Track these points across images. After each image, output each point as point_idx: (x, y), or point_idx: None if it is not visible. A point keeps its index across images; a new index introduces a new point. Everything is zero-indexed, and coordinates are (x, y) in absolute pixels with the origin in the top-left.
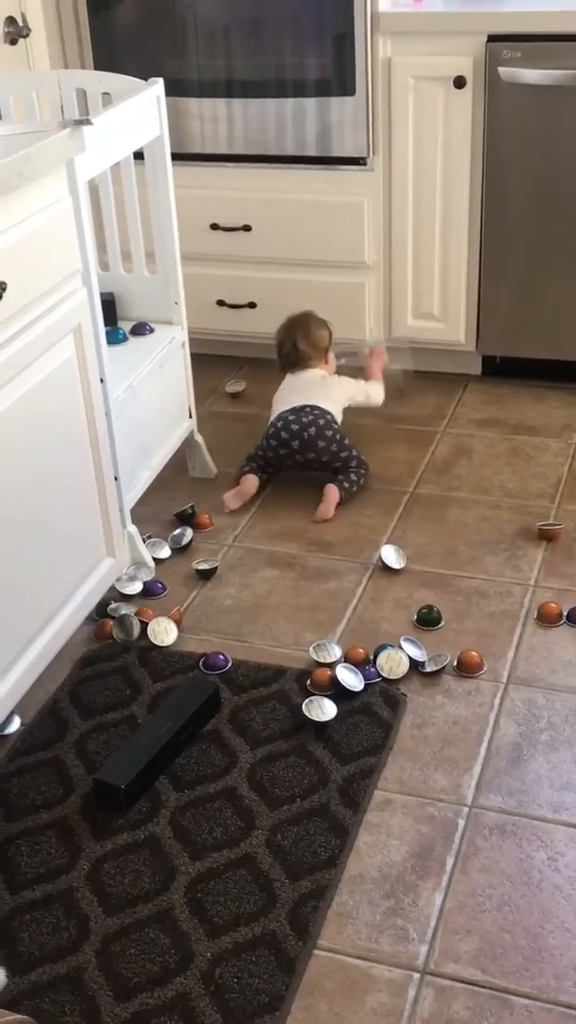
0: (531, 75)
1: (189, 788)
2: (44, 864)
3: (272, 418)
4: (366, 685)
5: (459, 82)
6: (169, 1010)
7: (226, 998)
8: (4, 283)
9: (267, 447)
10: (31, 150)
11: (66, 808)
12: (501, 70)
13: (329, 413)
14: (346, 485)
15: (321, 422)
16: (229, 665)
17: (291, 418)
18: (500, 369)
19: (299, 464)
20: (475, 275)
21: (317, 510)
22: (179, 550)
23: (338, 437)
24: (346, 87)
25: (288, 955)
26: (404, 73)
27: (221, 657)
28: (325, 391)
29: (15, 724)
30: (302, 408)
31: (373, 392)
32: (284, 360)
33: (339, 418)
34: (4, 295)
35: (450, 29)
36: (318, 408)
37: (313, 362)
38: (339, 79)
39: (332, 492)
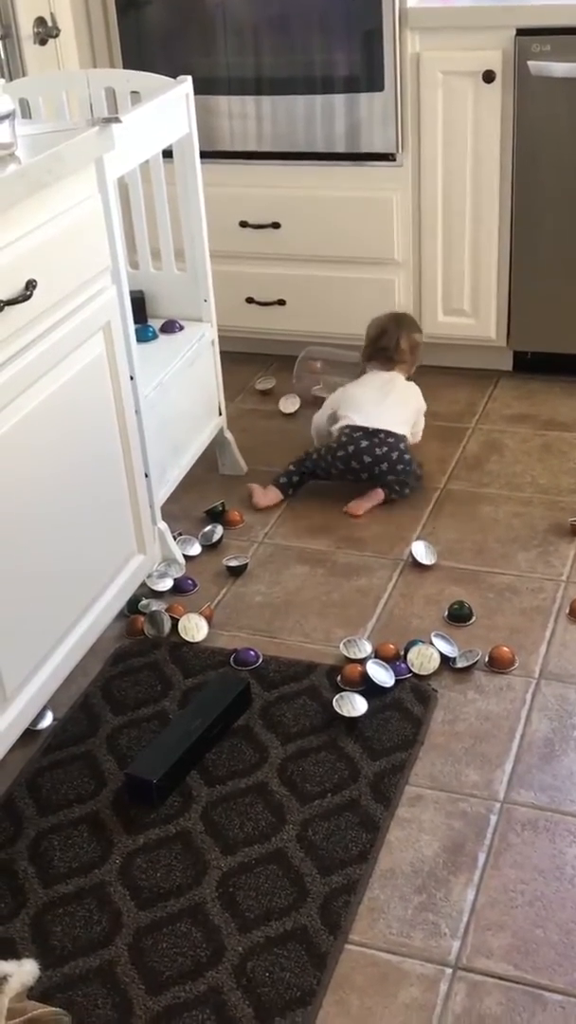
0: (561, 68)
1: (220, 783)
2: (77, 858)
3: (343, 426)
4: (397, 681)
5: (488, 76)
6: (201, 1004)
7: (257, 992)
8: (34, 280)
9: (330, 464)
10: (61, 148)
11: (98, 803)
12: (531, 64)
13: (404, 440)
14: (393, 496)
15: (394, 455)
16: (260, 661)
17: (364, 444)
18: (531, 364)
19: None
20: (506, 270)
21: (352, 502)
22: (209, 547)
23: (408, 467)
24: (375, 83)
25: (319, 949)
26: (433, 68)
27: (252, 653)
28: (404, 401)
29: (48, 719)
30: (376, 433)
31: (420, 430)
32: (377, 352)
33: (409, 438)
34: (34, 293)
35: (478, 23)
36: (393, 435)
37: (402, 366)
38: (368, 75)
39: (377, 495)
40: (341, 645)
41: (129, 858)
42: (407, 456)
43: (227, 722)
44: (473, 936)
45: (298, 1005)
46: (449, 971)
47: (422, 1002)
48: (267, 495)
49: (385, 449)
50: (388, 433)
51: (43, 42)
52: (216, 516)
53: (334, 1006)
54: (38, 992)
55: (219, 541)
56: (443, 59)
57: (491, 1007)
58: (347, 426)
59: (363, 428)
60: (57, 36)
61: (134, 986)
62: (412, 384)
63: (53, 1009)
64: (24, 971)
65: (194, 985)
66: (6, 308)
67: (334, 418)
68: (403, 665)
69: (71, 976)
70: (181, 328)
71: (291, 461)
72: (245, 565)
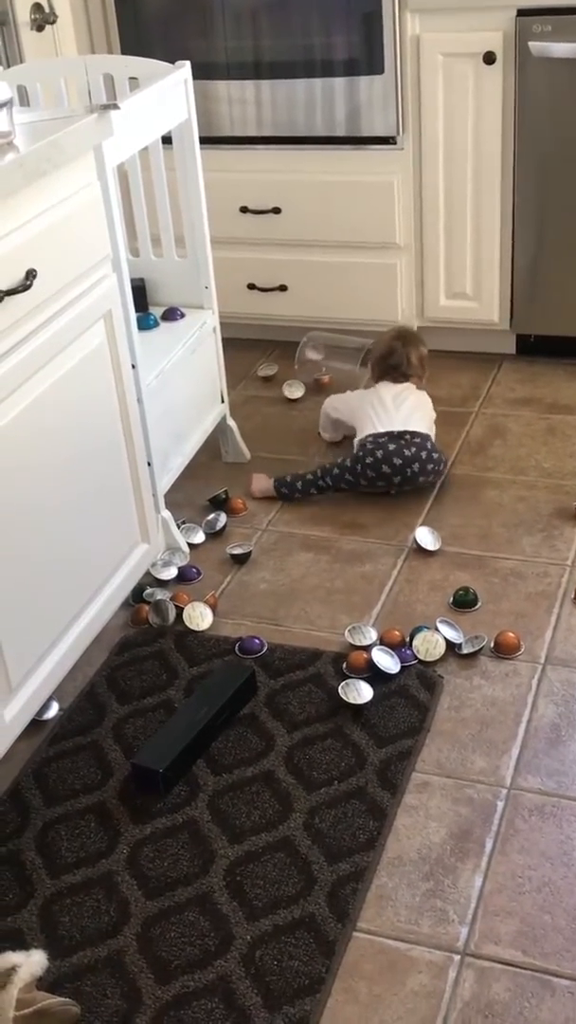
0: (562, 49)
1: (227, 772)
2: (84, 848)
3: (364, 437)
4: (402, 667)
5: (489, 58)
6: (210, 992)
7: (266, 980)
8: (34, 270)
9: (358, 475)
10: (59, 136)
11: (105, 792)
12: (531, 44)
13: (430, 438)
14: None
15: (423, 454)
16: (265, 649)
17: (391, 448)
18: (535, 348)
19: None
20: (508, 253)
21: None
22: (213, 535)
23: (439, 466)
24: (375, 66)
25: (327, 937)
26: (433, 50)
27: (256, 641)
28: (422, 405)
29: (53, 709)
30: (402, 435)
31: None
32: (387, 370)
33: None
34: (35, 282)
35: (479, 4)
36: (419, 435)
37: (414, 380)
38: (368, 58)
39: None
40: (346, 632)
41: (136, 847)
42: (436, 454)
43: (233, 710)
44: (481, 922)
45: (306, 993)
46: (457, 958)
47: (431, 989)
48: (260, 483)
49: (414, 449)
50: (414, 433)
51: (40, 29)
52: (219, 504)
53: (342, 994)
54: (47, 983)
55: (223, 529)
56: (443, 41)
57: (500, 993)
58: (369, 435)
59: (387, 432)
60: (54, 22)
61: (143, 975)
62: (424, 393)
63: (62, 999)
64: (33, 962)
65: (203, 974)
66: (6, 298)
67: (355, 438)
68: (408, 652)
69: (79, 966)
70: (182, 315)
71: (300, 477)
72: (249, 553)
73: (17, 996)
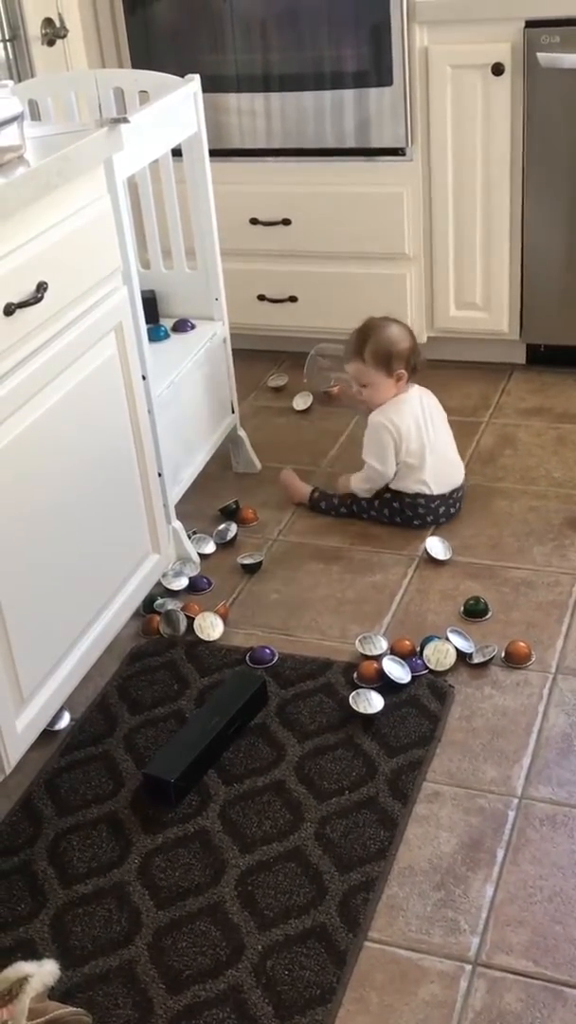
0: (570, 60)
1: (238, 782)
2: (95, 858)
3: (416, 494)
4: (413, 677)
5: (497, 69)
6: (221, 1002)
7: (277, 990)
8: (45, 283)
9: (392, 518)
10: (69, 150)
11: (116, 802)
12: (540, 56)
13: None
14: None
15: (459, 505)
16: (276, 659)
17: (442, 510)
18: (545, 357)
19: None
20: (517, 263)
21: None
22: (224, 545)
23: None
24: (383, 78)
25: (339, 947)
26: (442, 62)
27: (267, 651)
28: (445, 418)
29: (65, 720)
30: (451, 496)
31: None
32: (415, 366)
33: None
34: (45, 295)
35: (487, 16)
36: (462, 488)
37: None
38: (376, 70)
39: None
40: (357, 642)
41: (148, 858)
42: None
43: (244, 720)
44: (492, 932)
45: (318, 1003)
46: (469, 968)
47: (442, 999)
48: (297, 489)
49: (457, 506)
50: (459, 488)
51: (51, 43)
52: (230, 514)
53: (354, 1004)
54: (59, 992)
55: (234, 539)
56: (452, 52)
57: (511, 1003)
58: (421, 496)
59: (440, 496)
60: (65, 37)
61: (154, 985)
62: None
63: (74, 1009)
64: (44, 971)
65: (214, 984)
66: (17, 311)
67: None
68: (419, 661)
69: (91, 976)
70: (193, 327)
71: (333, 501)
72: (260, 563)
73: (29, 1006)
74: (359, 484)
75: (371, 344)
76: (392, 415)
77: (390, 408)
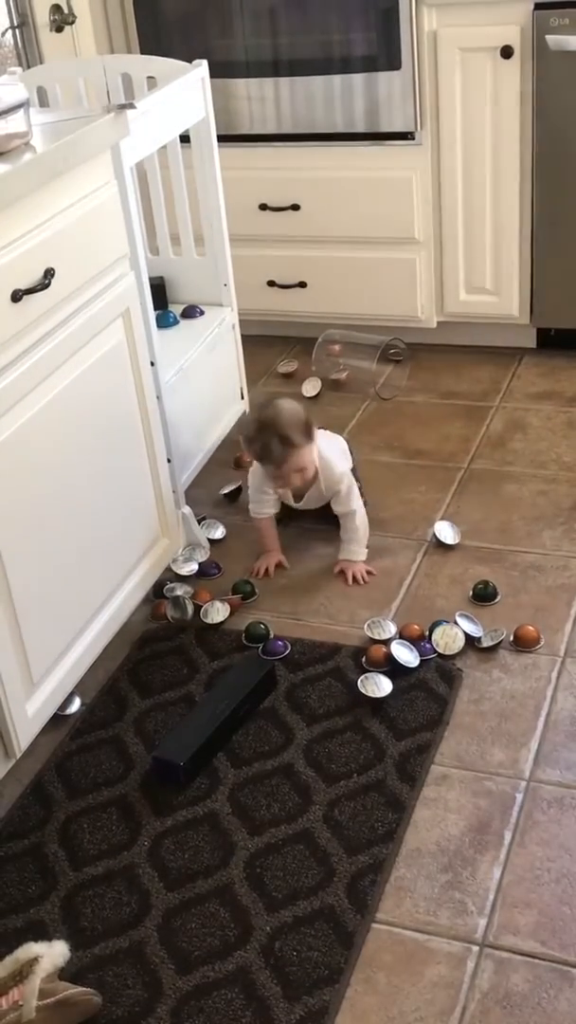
0: None
1: (247, 765)
2: (106, 841)
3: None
4: (421, 661)
5: (506, 52)
6: (230, 983)
7: (286, 971)
8: (52, 269)
9: None
10: (75, 136)
11: (126, 786)
12: (549, 38)
13: None
14: None
15: None
16: (288, 651)
17: None
18: (555, 341)
19: None
20: (527, 247)
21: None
22: (229, 496)
23: None
24: (392, 61)
25: (346, 928)
26: (450, 45)
27: (280, 643)
28: None
29: (76, 704)
30: None
31: None
32: None
33: None
34: (53, 281)
35: None
36: None
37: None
38: (385, 54)
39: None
40: (365, 626)
41: (157, 840)
42: None
43: (253, 704)
44: (500, 914)
45: (326, 983)
46: (476, 949)
47: (449, 980)
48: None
49: None
50: None
51: (59, 29)
52: (235, 499)
53: (362, 984)
54: (69, 973)
55: (237, 492)
56: (460, 35)
57: (518, 984)
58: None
59: None
60: (73, 23)
61: (164, 966)
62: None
63: (84, 989)
64: (55, 952)
65: (223, 964)
66: (25, 297)
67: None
68: (428, 645)
69: (101, 957)
70: (202, 313)
71: None
72: (239, 488)
73: (40, 986)
74: (365, 534)
75: (288, 429)
76: (340, 456)
77: (332, 450)
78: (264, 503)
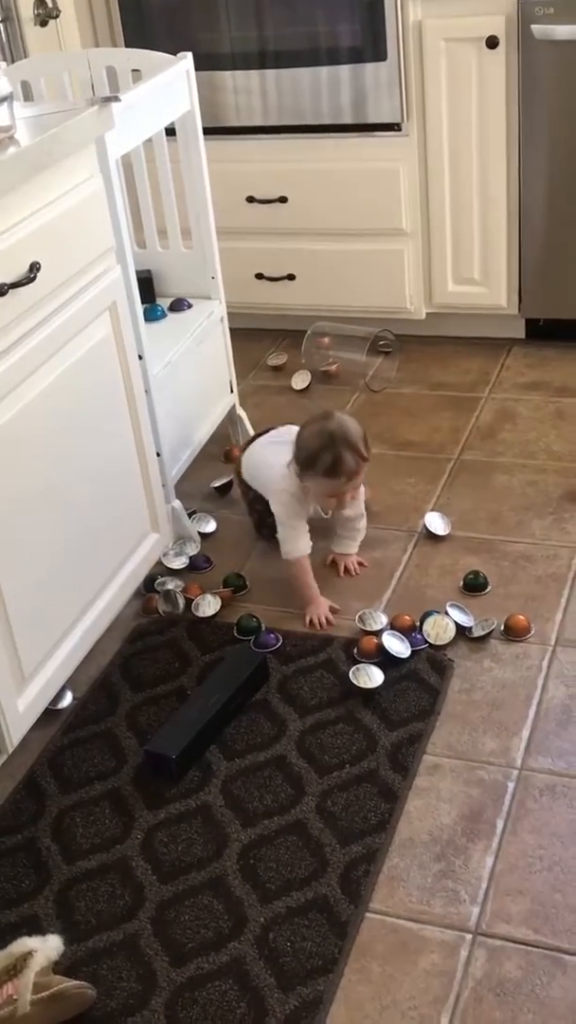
0: (565, 31)
1: (239, 757)
2: (99, 834)
3: None
4: (413, 652)
5: (492, 42)
6: (224, 974)
7: (280, 962)
8: (38, 263)
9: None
10: (59, 129)
11: (119, 779)
12: (534, 27)
13: None
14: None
15: None
16: (280, 643)
17: None
18: (544, 332)
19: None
20: (515, 237)
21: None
22: (219, 489)
23: None
24: (378, 53)
25: (340, 918)
26: (436, 36)
27: (272, 636)
28: None
29: (68, 699)
30: None
31: None
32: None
33: None
34: (38, 275)
35: None
36: None
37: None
38: (371, 45)
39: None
40: (357, 618)
41: (150, 833)
42: None
43: (245, 696)
44: (492, 902)
45: (320, 973)
46: (469, 937)
47: (443, 968)
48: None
49: None
50: None
51: (44, 23)
52: (226, 492)
53: (356, 974)
54: (63, 967)
55: (229, 484)
56: (446, 26)
57: (511, 971)
58: None
59: None
60: (57, 17)
61: (158, 958)
62: None
63: (78, 983)
64: (49, 946)
65: (217, 956)
66: (11, 291)
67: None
68: (419, 636)
69: (95, 950)
70: (190, 306)
71: None
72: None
73: (34, 980)
74: (364, 533)
75: (359, 441)
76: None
77: None
78: (301, 536)
